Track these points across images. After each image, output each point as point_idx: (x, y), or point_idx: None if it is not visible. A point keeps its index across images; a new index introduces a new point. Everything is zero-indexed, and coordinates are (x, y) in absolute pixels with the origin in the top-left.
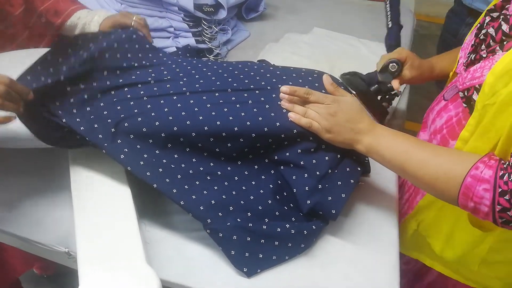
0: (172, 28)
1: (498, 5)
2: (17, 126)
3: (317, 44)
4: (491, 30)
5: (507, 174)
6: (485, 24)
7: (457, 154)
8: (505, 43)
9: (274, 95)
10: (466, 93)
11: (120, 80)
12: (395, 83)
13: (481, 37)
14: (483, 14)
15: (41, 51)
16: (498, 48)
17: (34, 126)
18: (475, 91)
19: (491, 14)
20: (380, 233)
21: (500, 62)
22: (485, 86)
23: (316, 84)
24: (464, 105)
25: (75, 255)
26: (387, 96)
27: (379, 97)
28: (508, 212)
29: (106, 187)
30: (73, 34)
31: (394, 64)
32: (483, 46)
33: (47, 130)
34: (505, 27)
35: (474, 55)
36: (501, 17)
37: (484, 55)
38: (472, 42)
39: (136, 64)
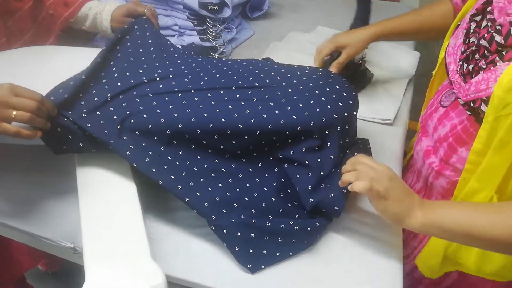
0: (177, 26)
1: (479, 8)
2: None
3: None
4: (484, 42)
5: None
6: (471, 31)
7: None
8: (504, 53)
9: (278, 93)
10: (472, 105)
11: (131, 81)
12: (331, 69)
13: (473, 48)
14: (461, 15)
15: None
16: (497, 58)
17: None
18: (482, 103)
19: (475, 19)
20: (384, 231)
21: (505, 74)
22: (494, 98)
23: (321, 82)
24: (469, 113)
25: (80, 251)
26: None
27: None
28: None
29: (111, 183)
30: (81, 27)
31: (329, 57)
32: (477, 56)
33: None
34: (498, 38)
35: (470, 65)
36: (489, 23)
37: (484, 66)
38: (462, 49)
39: (143, 58)
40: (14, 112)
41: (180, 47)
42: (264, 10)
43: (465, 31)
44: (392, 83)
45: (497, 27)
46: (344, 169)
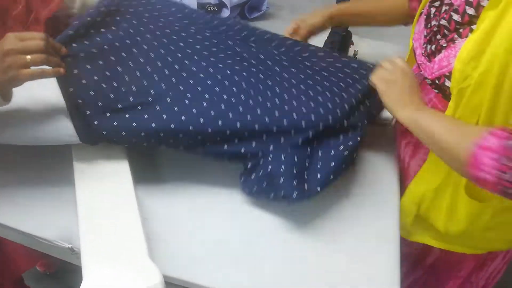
0: None
1: None
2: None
3: (319, 44)
4: (443, 22)
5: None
6: (432, 15)
7: (474, 126)
8: (461, 30)
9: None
10: (438, 82)
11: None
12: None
13: (434, 29)
14: (423, 4)
15: None
16: (456, 36)
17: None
18: (446, 79)
19: (434, 4)
20: (381, 231)
21: (463, 48)
22: (455, 72)
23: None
24: (436, 91)
25: (78, 251)
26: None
27: None
28: (508, 179)
29: (109, 183)
30: (71, 11)
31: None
32: (438, 36)
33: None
34: (456, 17)
35: (431, 46)
36: (447, 7)
37: (444, 45)
38: (425, 33)
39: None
40: (28, 57)
41: None
42: (263, 11)
43: (425, 16)
44: None
45: (455, 7)
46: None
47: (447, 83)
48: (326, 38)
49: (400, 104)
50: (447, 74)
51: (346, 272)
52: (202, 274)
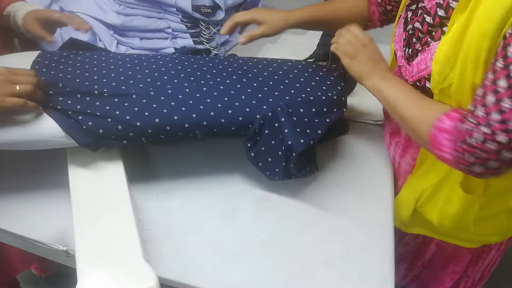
0: (170, 29)
1: None
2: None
3: (314, 45)
4: (417, 24)
5: (467, 123)
6: (409, 19)
7: (436, 103)
8: (433, 33)
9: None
10: (418, 84)
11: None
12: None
13: (409, 32)
14: (401, 8)
15: None
16: (429, 39)
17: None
18: (426, 81)
19: (411, 8)
20: (376, 230)
21: (439, 50)
22: (433, 74)
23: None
24: (419, 91)
25: (73, 254)
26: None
27: None
28: (464, 156)
29: (104, 185)
30: (8, 24)
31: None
32: (414, 39)
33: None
34: (428, 19)
35: (409, 49)
36: (420, 11)
37: (420, 48)
38: (404, 36)
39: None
40: (18, 87)
41: (173, 50)
42: None
43: (403, 19)
44: None
45: (428, 9)
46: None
47: (428, 84)
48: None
49: (364, 74)
50: (427, 76)
51: (341, 269)
52: (197, 276)
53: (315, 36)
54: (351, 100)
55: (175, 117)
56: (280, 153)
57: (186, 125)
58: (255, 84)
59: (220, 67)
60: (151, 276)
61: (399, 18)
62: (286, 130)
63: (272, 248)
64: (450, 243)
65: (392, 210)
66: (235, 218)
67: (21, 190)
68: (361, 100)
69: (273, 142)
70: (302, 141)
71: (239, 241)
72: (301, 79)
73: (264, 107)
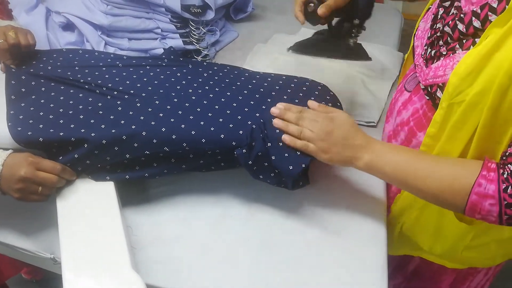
0: (159, 30)
1: None
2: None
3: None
4: (448, 29)
5: (510, 187)
6: (439, 17)
7: (459, 163)
8: (464, 41)
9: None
10: (429, 89)
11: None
12: (320, 11)
13: (438, 34)
14: (430, 2)
15: None
16: (457, 46)
17: None
18: (438, 89)
19: (444, 4)
20: (369, 234)
21: (462, 62)
22: (449, 86)
23: (300, 94)
24: (427, 97)
25: (60, 261)
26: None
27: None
28: None
29: (90, 192)
30: None
31: (311, 5)
32: (441, 42)
33: None
34: (461, 26)
35: (433, 51)
36: (455, 11)
37: (444, 52)
38: (428, 34)
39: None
40: (40, 188)
41: (162, 50)
42: (248, 12)
43: (433, 16)
44: (376, 85)
45: (461, 15)
46: (289, 127)
47: (439, 93)
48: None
49: (350, 159)
50: (440, 85)
51: (334, 274)
52: (187, 282)
53: (305, 35)
54: (341, 100)
55: (163, 129)
56: (272, 175)
57: (174, 137)
58: (240, 98)
59: (205, 79)
60: (139, 285)
61: (427, 11)
62: (273, 157)
63: (263, 253)
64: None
65: (385, 214)
66: (226, 223)
67: (7, 198)
68: (353, 99)
69: (265, 164)
70: (291, 168)
71: (230, 246)
72: (288, 90)
73: (249, 122)
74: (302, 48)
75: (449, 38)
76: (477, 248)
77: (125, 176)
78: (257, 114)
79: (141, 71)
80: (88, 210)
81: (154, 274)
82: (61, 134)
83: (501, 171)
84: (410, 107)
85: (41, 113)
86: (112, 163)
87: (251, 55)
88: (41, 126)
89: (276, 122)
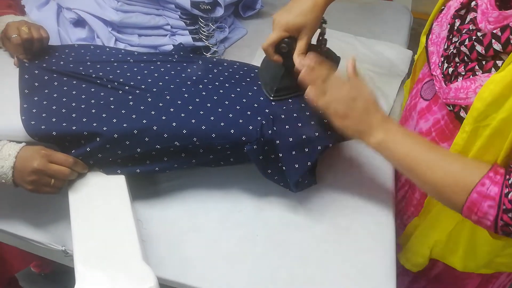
0: (169, 26)
1: (465, 1)
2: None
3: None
4: (464, 49)
5: None
6: (455, 28)
7: (467, 162)
8: (484, 63)
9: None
10: (452, 107)
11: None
12: (295, 60)
13: (454, 51)
14: (441, 4)
15: None
16: (477, 67)
17: None
18: (462, 109)
19: (460, 13)
20: (377, 230)
21: (485, 87)
22: (473, 110)
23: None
24: (449, 108)
25: (71, 253)
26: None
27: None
28: (510, 227)
29: (102, 185)
30: None
31: (284, 45)
32: (457, 59)
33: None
34: (480, 48)
35: (450, 68)
36: (471, 26)
37: (463, 73)
38: (445, 46)
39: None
40: (53, 180)
41: (172, 46)
42: (257, 10)
43: (449, 26)
44: (385, 83)
45: (479, 36)
46: (314, 83)
47: (462, 113)
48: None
49: (364, 132)
50: (463, 106)
51: (342, 269)
52: (197, 276)
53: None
54: None
55: (174, 124)
56: (276, 178)
57: (184, 131)
58: (250, 93)
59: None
60: (151, 277)
61: (440, 11)
62: (280, 155)
63: (271, 248)
64: None
65: (393, 209)
66: (235, 218)
67: (19, 191)
68: None
69: (273, 160)
70: (296, 166)
71: (238, 241)
72: None
73: (259, 117)
74: (282, 90)
75: (466, 58)
76: (506, 255)
77: (135, 170)
78: (267, 110)
79: (152, 67)
80: (100, 203)
81: (163, 267)
82: (74, 128)
83: (508, 176)
84: (430, 117)
85: (54, 107)
86: (123, 157)
87: (260, 52)
88: (54, 120)
89: (304, 74)
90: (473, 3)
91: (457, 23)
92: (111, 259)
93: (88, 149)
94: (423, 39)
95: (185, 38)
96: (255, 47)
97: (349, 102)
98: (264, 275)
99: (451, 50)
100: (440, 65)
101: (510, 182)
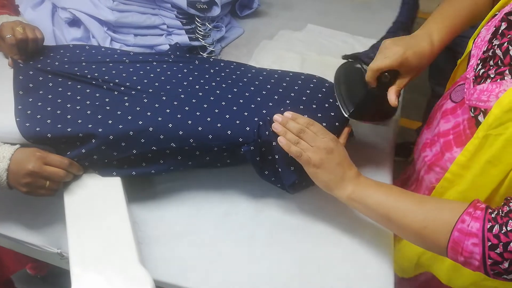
0: (165, 26)
1: None
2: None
3: (311, 41)
4: (499, 52)
5: (496, 226)
6: (500, 31)
7: (444, 202)
8: None
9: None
10: (473, 110)
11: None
12: (391, 96)
13: (490, 53)
14: (498, 6)
15: None
16: (507, 72)
17: None
18: (481, 113)
19: (509, 18)
20: (374, 231)
21: (507, 94)
22: (490, 116)
23: (307, 91)
24: (472, 114)
25: (67, 256)
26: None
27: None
28: (500, 265)
29: (98, 187)
30: None
31: (386, 74)
32: (492, 62)
33: None
34: None
35: (482, 69)
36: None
37: (492, 75)
38: (484, 48)
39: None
40: (48, 183)
41: (168, 46)
42: (254, 9)
43: (494, 28)
44: None
45: None
46: (287, 134)
47: (481, 117)
48: None
49: (334, 183)
50: (483, 110)
51: (340, 270)
52: (193, 278)
53: (311, 32)
54: None
55: (170, 125)
56: (273, 179)
57: (181, 133)
58: (247, 94)
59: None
60: (147, 280)
61: (492, 17)
62: (276, 156)
63: (269, 249)
64: None
65: None
66: (232, 219)
67: (14, 193)
68: None
69: (270, 162)
70: (292, 168)
71: (235, 242)
72: (295, 87)
73: (256, 118)
74: (360, 113)
75: (499, 61)
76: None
77: (131, 172)
78: (264, 111)
79: (148, 67)
80: (96, 205)
81: (160, 269)
82: (69, 130)
83: (490, 210)
84: (452, 120)
85: (49, 108)
86: (119, 159)
87: (257, 52)
88: (48, 121)
89: (276, 126)
90: None
91: (503, 26)
92: (107, 262)
93: (83, 150)
94: (470, 43)
95: (182, 38)
96: (252, 46)
97: (323, 153)
98: (262, 277)
99: (489, 53)
100: (475, 67)
101: (493, 216)
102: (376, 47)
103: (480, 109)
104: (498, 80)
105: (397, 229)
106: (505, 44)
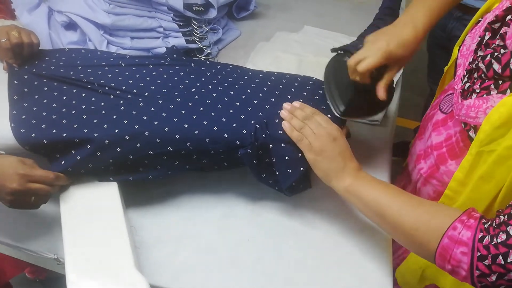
0: (161, 28)
1: (500, 15)
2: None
3: (308, 43)
4: (482, 65)
5: (488, 237)
6: (484, 42)
7: (440, 206)
8: (500, 82)
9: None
10: (464, 125)
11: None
12: (380, 91)
13: (474, 66)
14: (479, 14)
15: None
16: (493, 87)
17: None
18: (472, 129)
19: (493, 26)
20: (372, 234)
21: (495, 110)
22: (480, 133)
23: (304, 93)
24: (463, 126)
25: (63, 262)
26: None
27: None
28: (487, 278)
29: (94, 192)
30: None
31: (374, 71)
32: (476, 75)
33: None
34: (496, 66)
35: (468, 83)
36: (498, 41)
37: (478, 90)
38: (470, 59)
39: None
40: (33, 198)
41: (165, 49)
42: (251, 11)
43: (479, 38)
44: None
45: (501, 53)
46: (292, 120)
47: (472, 133)
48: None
49: (333, 173)
50: (473, 126)
51: (338, 274)
52: (190, 282)
53: (308, 34)
54: None
55: (166, 129)
56: (270, 182)
57: (177, 136)
58: (243, 97)
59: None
60: (143, 285)
61: (476, 24)
62: (273, 159)
63: (266, 253)
64: None
65: None
66: (230, 223)
67: None
68: None
69: (267, 165)
70: (289, 171)
71: (232, 246)
72: (292, 89)
73: (253, 121)
74: (351, 111)
75: (483, 74)
76: None
77: (128, 178)
78: (261, 114)
79: (144, 71)
80: (92, 210)
81: (158, 274)
82: (64, 135)
83: (484, 220)
84: (444, 132)
85: (44, 113)
86: (115, 165)
87: (254, 54)
88: (43, 126)
89: (283, 112)
90: (508, 17)
91: (487, 36)
92: (103, 267)
93: (78, 157)
94: (455, 50)
95: (178, 40)
96: (249, 48)
97: (325, 140)
98: (260, 280)
99: (473, 65)
100: (462, 79)
101: (486, 226)
102: (363, 36)
103: (470, 125)
104: (484, 95)
105: (390, 228)
106: (488, 57)
